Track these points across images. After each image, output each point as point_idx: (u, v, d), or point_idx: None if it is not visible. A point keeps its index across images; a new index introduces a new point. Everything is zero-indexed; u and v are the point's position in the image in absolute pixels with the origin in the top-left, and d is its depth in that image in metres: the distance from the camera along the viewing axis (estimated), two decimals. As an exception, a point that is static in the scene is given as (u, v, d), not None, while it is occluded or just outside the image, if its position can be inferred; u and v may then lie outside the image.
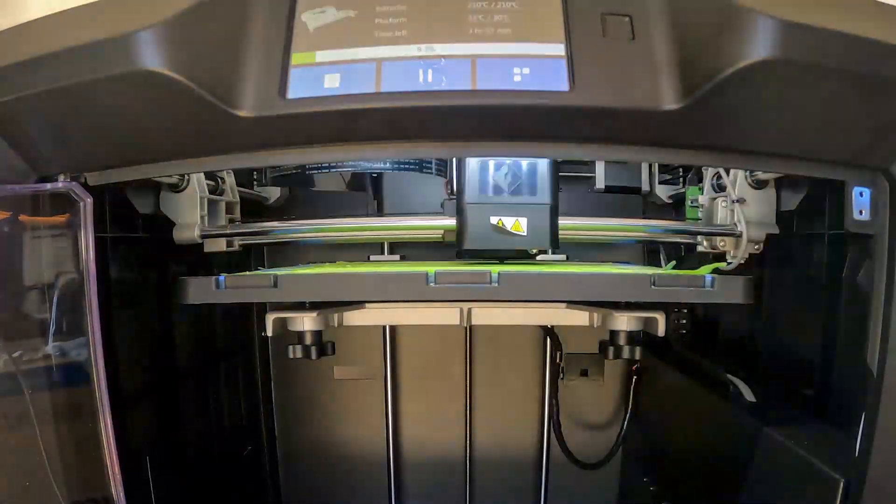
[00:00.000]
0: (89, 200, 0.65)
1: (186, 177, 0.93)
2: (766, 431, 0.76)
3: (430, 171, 0.91)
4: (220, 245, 0.97)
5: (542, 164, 0.85)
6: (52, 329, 0.68)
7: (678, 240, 1.01)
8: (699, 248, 0.96)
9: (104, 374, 0.66)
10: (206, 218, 0.96)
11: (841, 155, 0.59)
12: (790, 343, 0.88)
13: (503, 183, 0.85)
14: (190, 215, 0.94)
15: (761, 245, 0.90)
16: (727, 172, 0.90)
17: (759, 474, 0.77)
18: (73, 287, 0.67)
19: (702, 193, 0.99)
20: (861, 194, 0.62)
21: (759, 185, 0.89)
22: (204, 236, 0.95)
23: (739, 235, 0.89)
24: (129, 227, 0.86)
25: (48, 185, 0.64)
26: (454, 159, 0.88)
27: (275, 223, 1.00)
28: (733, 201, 0.89)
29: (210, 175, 0.98)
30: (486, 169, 0.85)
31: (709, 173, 0.96)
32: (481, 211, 0.84)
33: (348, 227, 0.92)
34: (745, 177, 0.89)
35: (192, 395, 1.03)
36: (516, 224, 0.84)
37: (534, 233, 0.85)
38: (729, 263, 0.91)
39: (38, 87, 0.56)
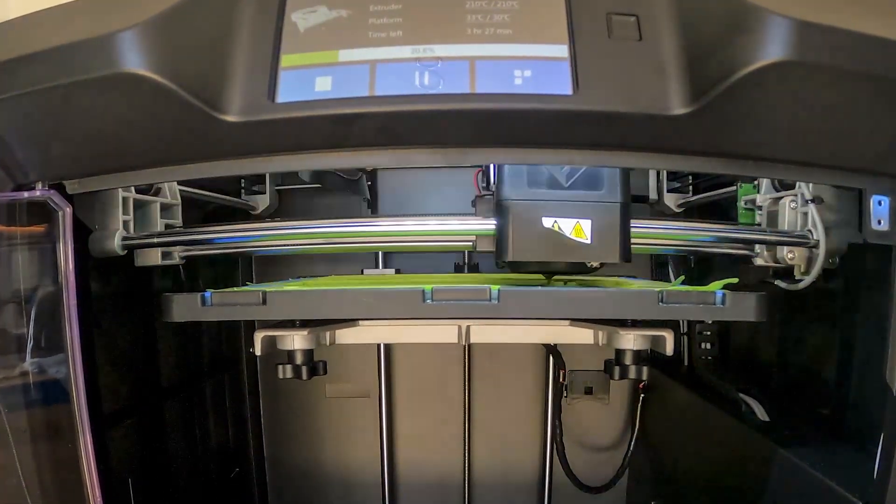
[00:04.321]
0: (69, 209, 0.63)
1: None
2: (780, 452, 0.74)
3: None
4: (153, 258, 0.80)
5: None
6: (29, 345, 0.66)
7: (729, 251, 0.80)
8: (757, 262, 0.78)
9: (84, 392, 0.64)
10: (131, 223, 0.78)
11: (859, 161, 0.57)
12: (804, 359, 0.85)
13: (559, 173, 0.66)
14: (111, 220, 0.76)
15: (837, 258, 0.72)
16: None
17: (773, 497, 0.75)
18: (52, 300, 0.64)
19: (758, 192, 0.80)
20: (880, 203, 0.60)
21: (839, 181, 0.69)
22: (127, 246, 0.76)
23: (815, 245, 0.71)
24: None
25: (25, 194, 0.62)
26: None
27: (222, 227, 0.82)
28: (807, 201, 0.71)
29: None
30: None
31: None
32: (529, 210, 0.67)
33: (328, 234, 0.77)
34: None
35: (178, 415, 1.00)
36: (577, 228, 0.66)
37: (601, 240, 0.66)
38: (799, 280, 0.74)
39: (14, 90, 0.55)
